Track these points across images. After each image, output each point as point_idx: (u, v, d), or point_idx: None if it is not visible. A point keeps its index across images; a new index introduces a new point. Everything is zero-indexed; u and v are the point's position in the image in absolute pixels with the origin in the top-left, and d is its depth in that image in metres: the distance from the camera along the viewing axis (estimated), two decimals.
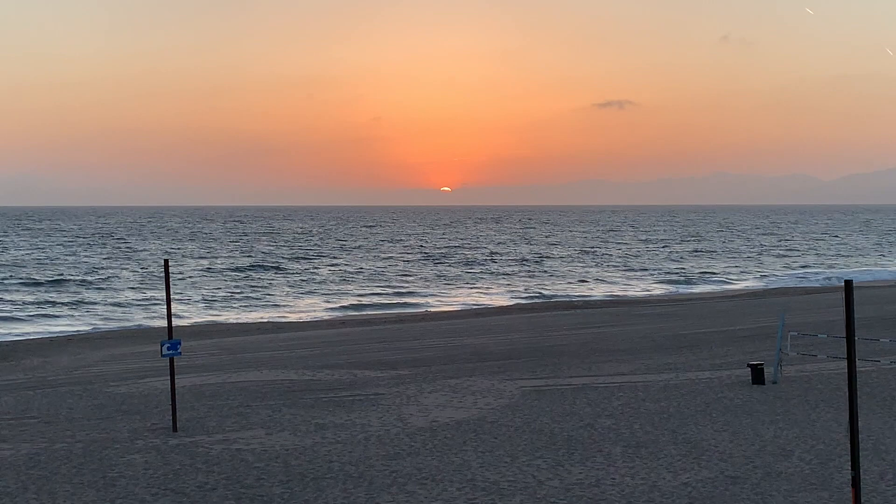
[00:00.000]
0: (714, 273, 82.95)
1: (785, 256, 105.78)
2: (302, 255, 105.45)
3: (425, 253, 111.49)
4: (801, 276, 79.68)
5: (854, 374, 9.87)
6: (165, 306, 17.90)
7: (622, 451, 15.09)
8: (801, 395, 19.54)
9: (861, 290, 51.95)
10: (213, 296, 62.59)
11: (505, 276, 79.07)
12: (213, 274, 79.51)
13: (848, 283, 9.81)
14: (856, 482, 10.04)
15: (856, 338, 9.92)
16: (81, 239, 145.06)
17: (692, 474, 13.63)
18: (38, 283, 68.99)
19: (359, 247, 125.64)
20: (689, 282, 73.89)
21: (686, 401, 19.14)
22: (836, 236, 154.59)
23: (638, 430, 16.56)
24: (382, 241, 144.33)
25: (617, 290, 67.70)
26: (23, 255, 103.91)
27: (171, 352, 17.04)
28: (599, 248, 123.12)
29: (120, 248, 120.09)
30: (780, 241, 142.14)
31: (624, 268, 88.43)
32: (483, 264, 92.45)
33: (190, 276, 76.43)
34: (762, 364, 21.09)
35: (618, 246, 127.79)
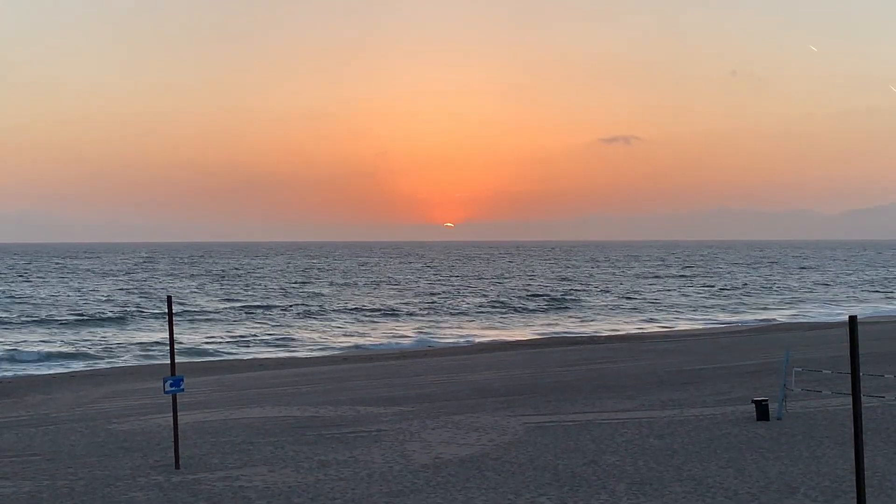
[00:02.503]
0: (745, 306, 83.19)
1: (798, 291, 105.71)
2: (306, 292, 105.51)
3: (430, 289, 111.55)
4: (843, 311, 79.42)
5: (859, 410, 9.83)
6: (168, 343, 17.89)
7: (627, 488, 15.00)
8: (805, 431, 19.45)
9: (865, 325, 51.84)
10: (219, 332, 62.67)
11: (520, 314, 78.95)
12: (220, 310, 79.54)
13: (852, 318, 9.80)
14: None
15: (860, 374, 9.90)
16: (94, 276, 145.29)
17: None
18: (50, 321, 69.07)
19: (365, 283, 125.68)
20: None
21: (691, 437, 19.06)
22: (865, 272, 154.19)
23: (642, 466, 16.48)
24: (389, 276, 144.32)
25: (639, 326, 67.62)
26: (36, 293, 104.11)
27: (173, 388, 17.00)
28: (612, 282, 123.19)
29: (131, 284, 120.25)
30: (792, 277, 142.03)
31: (650, 304, 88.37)
32: (492, 300, 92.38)
33: (198, 313, 76.48)
34: (766, 400, 21.01)
35: (632, 280, 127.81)
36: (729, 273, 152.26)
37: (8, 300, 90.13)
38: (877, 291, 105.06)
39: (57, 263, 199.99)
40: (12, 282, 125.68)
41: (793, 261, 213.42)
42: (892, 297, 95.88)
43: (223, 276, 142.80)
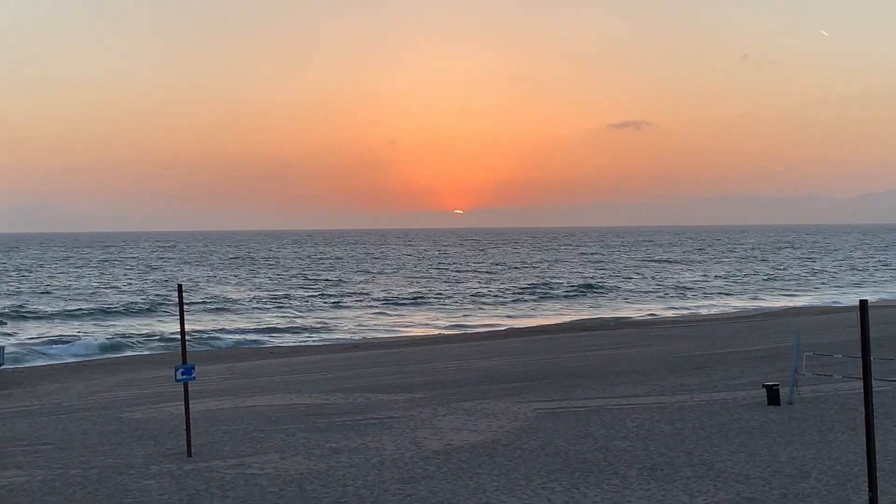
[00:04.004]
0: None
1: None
2: (324, 280, 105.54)
3: (449, 276, 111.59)
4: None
5: (870, 394, 9.81)
6: (179, 331, 17.92)
7: (637, 473, 15.00)
8: (817, 415, 19.41)
9: (876, 309, 51.70)
10: (236, 321, 62.94)
11: (545, 301, 78.89)
12: (237, 300, 79.72)
13: (863, 302, 9.77)
14: (873, 503, 9.97)
15: (872, 357, 9.87)
16: (114, 266, 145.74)
17: (708, 496, 13.54)
18: (71, 313, 69.33)
19: (381, 271, 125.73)
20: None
21: (701, 422, 19.04)
22: (880, 256, 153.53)
23: (653, 451, 16.48)
24: (405, 264, 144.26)
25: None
26: (56, 282, 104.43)
27: (185, 377, 17.04)
28: (631, 268, 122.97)
29: (151, 273, 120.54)
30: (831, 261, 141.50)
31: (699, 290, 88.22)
32: (515, 287, 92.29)
33: (212, 302, 76.68)
34: (777, 385, 20.96)
35: (650, 266, 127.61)
36: (745, 258, 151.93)
37: (28, 291, 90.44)
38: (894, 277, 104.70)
39: (71, 253, 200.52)
40: (28, 272, 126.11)
41: (808, 246, 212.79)
42: None
43: (240, 265, 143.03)
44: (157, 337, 53.96)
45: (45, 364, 43.24)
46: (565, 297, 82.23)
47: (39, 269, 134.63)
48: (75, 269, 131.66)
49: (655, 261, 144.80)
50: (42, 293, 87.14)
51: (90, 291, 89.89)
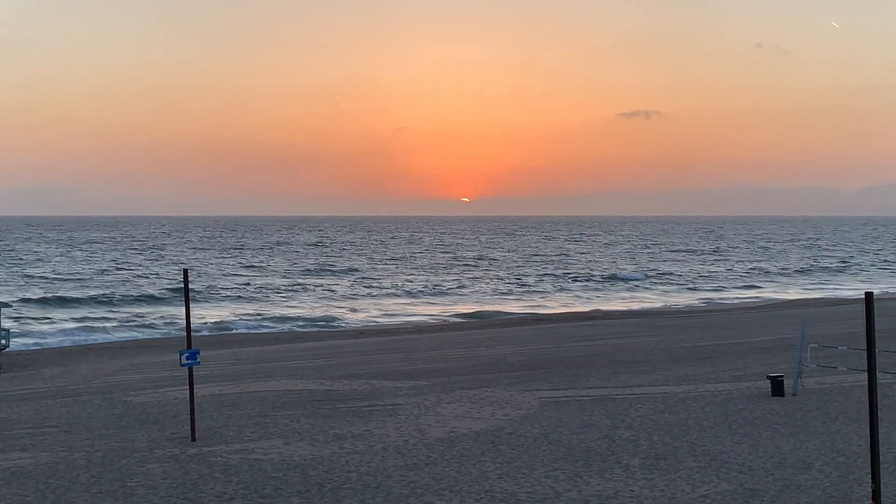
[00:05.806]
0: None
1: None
2: (337, 266, 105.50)
3: (454, 264, 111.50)
4: None
5: (874, 386, 9.80)
6: (185, 316, 17.94)
7: (641, 463, 15.01)
8: (821, 407, 19.41)
9: (882, 301, 51.58)
10: (242, 307, 62.96)
11: (565, 292, 78.86)
12: (244, 285, 79.77)
13: (868, 294, 9.75)
14: (876, 495, 9.96)
15: (877, 349, 9.86)
16: (127, 250, 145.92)
17: (711, 487, 13.55)
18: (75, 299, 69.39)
19: (393, 259, 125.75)
20: None
21: (705, 413, 19.05)
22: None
23: (657, 441, 16.48)
24: (421, 253, 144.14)
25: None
26: (61, 267, 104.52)
27: (190, 361, 17.07)
28: (646, 258, 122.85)
29: (167, 260, 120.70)
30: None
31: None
32: (533, 277, 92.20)
33: (220, 288, 76.76)
34: (782, 376, 20.95)
35: (667, 256, 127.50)
36: (758, 249, 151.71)
37: (38, 276, 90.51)
38: None
39: (81, 237, 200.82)
40: (41, 257, 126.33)
41: (822, 237, 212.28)
42: None
43: (250, 252, 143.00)
44: (165, 322, 54.01)
45: (50, 347, 43.34)
46: (575, 286, 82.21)
47: (51, 254, 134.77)
48: (85, 254, 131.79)
49: (664, 250, 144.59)
50: (53, 279, 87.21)
51: (101, 277, 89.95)
